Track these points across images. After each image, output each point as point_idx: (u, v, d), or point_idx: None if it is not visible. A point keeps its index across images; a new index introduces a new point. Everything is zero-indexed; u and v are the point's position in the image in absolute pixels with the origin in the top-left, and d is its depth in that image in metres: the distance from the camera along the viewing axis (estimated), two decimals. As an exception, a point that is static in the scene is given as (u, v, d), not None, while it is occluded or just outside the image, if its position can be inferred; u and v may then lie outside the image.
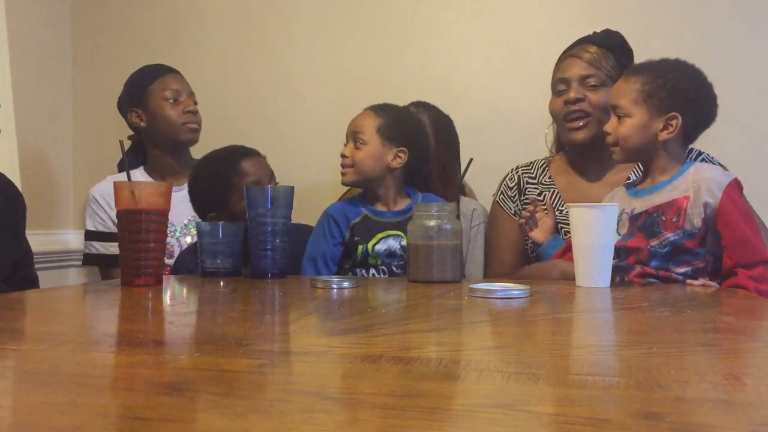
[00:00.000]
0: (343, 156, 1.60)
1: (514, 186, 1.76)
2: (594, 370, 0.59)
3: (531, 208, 1.57)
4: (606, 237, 1.26)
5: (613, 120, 1.42)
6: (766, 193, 1.68)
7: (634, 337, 0.80)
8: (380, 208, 1.59)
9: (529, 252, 1.69)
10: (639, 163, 1.54)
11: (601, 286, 1.24)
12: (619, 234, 1.38)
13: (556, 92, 1.68)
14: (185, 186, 1.83)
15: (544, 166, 1.76)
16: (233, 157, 1.64)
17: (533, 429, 0.42)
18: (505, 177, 1.79)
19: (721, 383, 0.52)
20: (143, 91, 1.94)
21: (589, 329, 0.89)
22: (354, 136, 1.60)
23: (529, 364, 0.61)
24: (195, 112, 1.96)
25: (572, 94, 1.62)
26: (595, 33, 1.68)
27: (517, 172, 1.77)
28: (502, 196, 1.77)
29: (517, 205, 1.74)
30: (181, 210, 1.84)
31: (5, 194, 1.61)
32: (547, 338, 0.80)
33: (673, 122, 1.37)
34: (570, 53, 1.68)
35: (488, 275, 1.76)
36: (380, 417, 0.44)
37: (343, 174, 1.60)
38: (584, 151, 1.67)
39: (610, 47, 1.62)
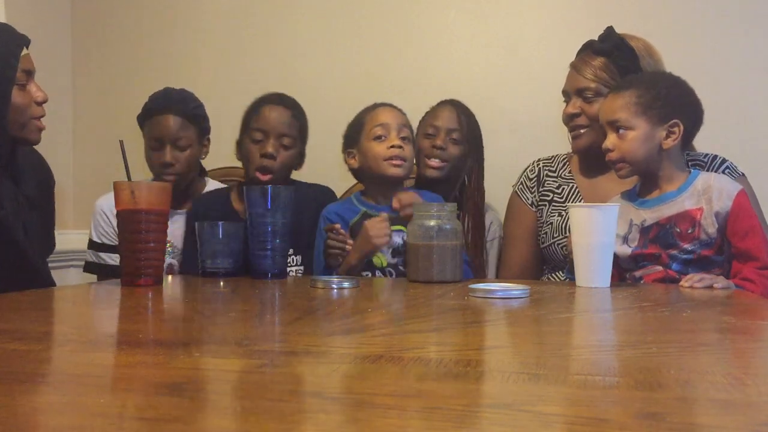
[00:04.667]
0: (400, 147, 1.60)
1: (534, 177, 1.78)
2: (594, 370, 0.59)
3: None
4: (606, 237, 1.26)
5: (611, 136, 1.41)
6: (767, 192, 1.68)
7: (634, 337, 0.80)
8: (380, 203, 1.59)
9: (561, 256, 1.68)
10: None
11: (601, 286, 1.25)
12: (629, 246, 1.39)
13: (564, 100, 1.70)
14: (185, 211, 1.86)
15: (565, 160, 1.78)
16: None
17: (533, 429, 0.42)
18: (526, 168, 1.82)
19: (721, 383, 0.52)
20: (141, 122, 1.91)
21: (589, 329, 0.89)
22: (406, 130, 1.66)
23: (529, 364, 0.61)
24: (168, 165, 1.82)
25: (569, 109, 1.66)
26: (594, 40, 1.66)
27: (537, 164, 1.80)
28: (521, 186, 1.80)
29: (534, 196, 1.77)
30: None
31: (50, 182, 1.62)
32: (547, 338, 0.80)
33: (675, 129, 1.38)
34: (571, 63, 1.69)
35: (502, 264, 1.80)
36: (380, 417, 0.44)
37: (398, 166, 1.58)
38: (591, 155, 1.68)
39: (607, 52, 1.61)
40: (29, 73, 1.42)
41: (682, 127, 1.38)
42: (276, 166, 1.69)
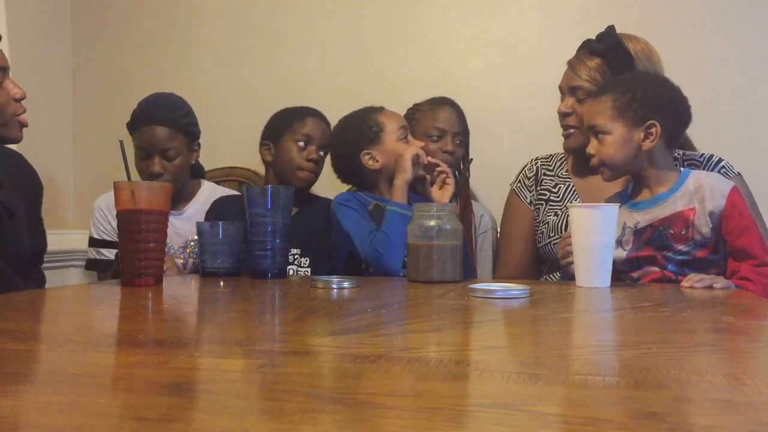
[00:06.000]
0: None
1: (532, 176, 1.78)
2: (594, 370, 0.59)
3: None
4: (606, 237, 1.26)
5: (593, 142, 1.42)
6: (766, 192, 1.68)
7: (634, 337, 0.80)
8: (385, 197, 1.63)
9: (549, 260, 1.69)
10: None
11: (601, 286, 1.25)
12: (624, 250, 1.38)
13: (560, 96, 1.70)
14: (183, 211, 1.88)
15: (562, 159, 1.78)
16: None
17: (533, 429, 0.42)
18: (524, 167, 1.81)
19: (721, 383, 0.52)
20: (131, 130, 1.89)
21: (589, 329, 0.89)
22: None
23: (529, 364, 0.61)
24: (158, 174, 1.81)
25: (561, 108, 1.66)
26: (592, 39, 1.65)
27: (536, 163, 1.79)
28: (519, 184, 1.79)
29: (533, 195, 1.76)
30: (181, 235, 1.86)
31: (33, 182, 1.59)
32: (547, 338, 0.80)
33: (653, 130, 1.37)
34: (569, 60, 1.68)
35: (500, 263, 1.80)
36: (380, 417, 0.44)
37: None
38: (586, 155, 1.67)
39: (601, 53, 1.60)
40: (3, 70, 1.37)
41: (659, 128, 1.37)
42: (317, 171, 1.84)
